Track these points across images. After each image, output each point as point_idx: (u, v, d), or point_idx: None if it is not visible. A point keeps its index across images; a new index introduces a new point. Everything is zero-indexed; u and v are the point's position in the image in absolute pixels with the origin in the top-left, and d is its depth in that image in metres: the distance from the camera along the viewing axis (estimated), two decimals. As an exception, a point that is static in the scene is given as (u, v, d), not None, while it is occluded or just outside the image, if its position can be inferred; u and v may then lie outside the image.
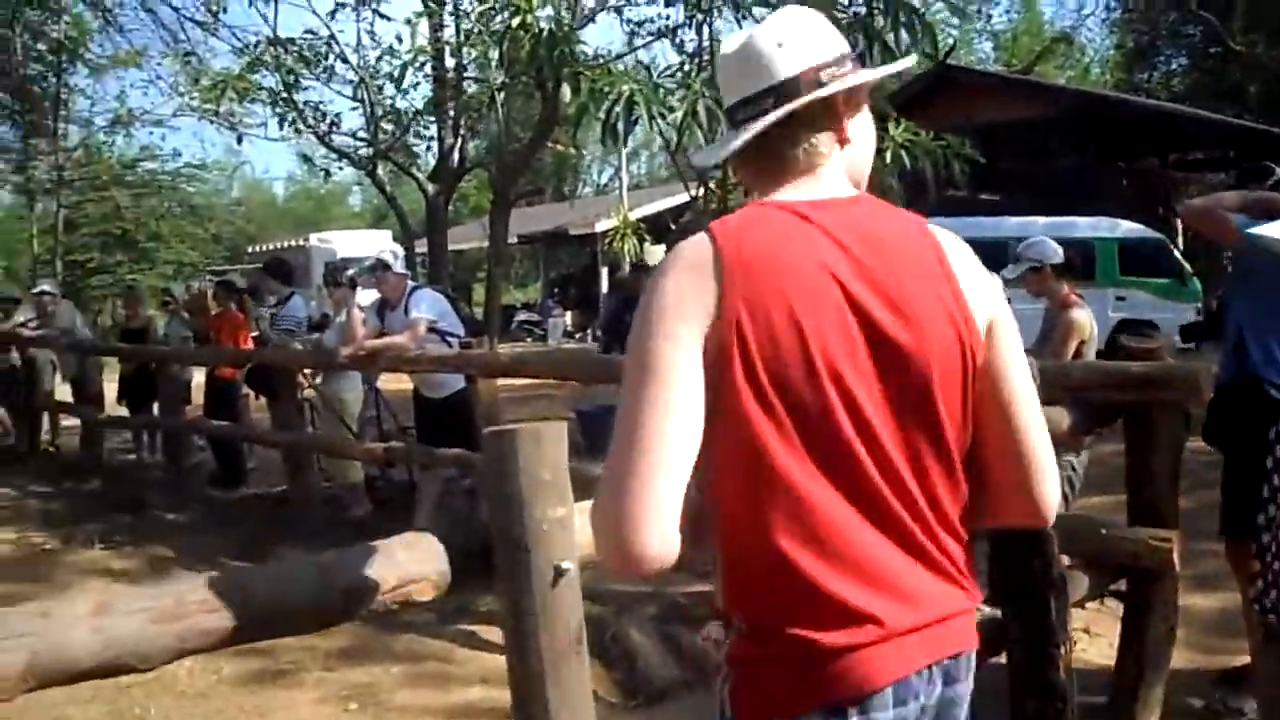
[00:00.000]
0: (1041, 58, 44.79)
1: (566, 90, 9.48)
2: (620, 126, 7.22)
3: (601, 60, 9.18)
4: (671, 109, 7.41)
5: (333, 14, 12.29)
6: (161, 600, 2.28)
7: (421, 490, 8.72)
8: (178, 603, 2.27)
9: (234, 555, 8.42)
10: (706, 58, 9.15)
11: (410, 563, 2.62)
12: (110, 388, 13.50)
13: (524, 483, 2.49)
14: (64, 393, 13.90)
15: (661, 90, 7.68)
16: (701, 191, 9.17)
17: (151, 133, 22.96)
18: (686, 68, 9.17)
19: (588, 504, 1.81)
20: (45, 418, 14.20)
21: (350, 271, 9.18)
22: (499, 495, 2.55)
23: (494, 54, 10.16)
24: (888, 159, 8.13)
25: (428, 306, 8.29)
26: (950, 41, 14.90)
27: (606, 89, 7.64)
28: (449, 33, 10.93)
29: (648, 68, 9.30)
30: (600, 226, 32.09)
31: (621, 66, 8.96)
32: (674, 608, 6.36)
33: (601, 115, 7.53)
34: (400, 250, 9.46)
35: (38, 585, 7.90)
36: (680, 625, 6.15)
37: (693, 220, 9.25)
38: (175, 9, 15.23)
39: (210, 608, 2.29)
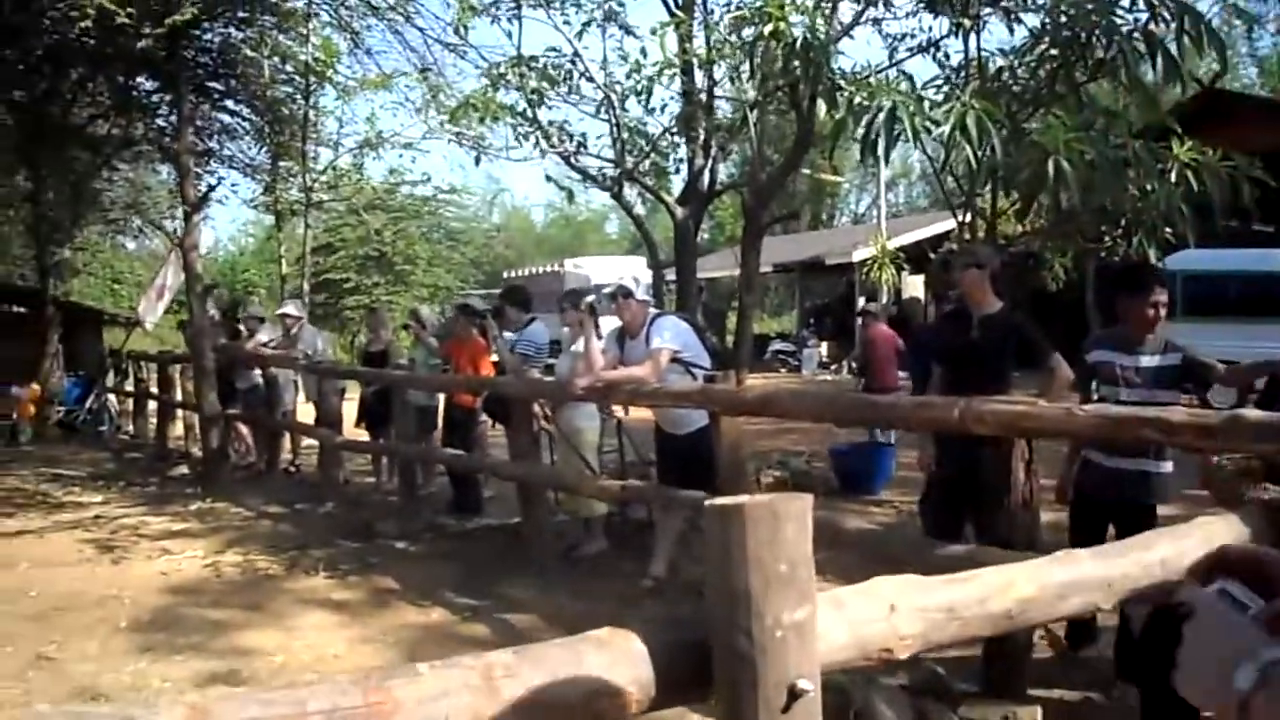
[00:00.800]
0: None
1: (822, 107, 8.92)
2: (882, 143, 6.57)
3: (860, 74, 8.52)
4: (936, 123, 6.72)
5: (580, 32, 11.95)
6: (271, 711, 1.73)
7: (660, 529, 8.21)
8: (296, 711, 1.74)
9: (459, 589, 8.22)
10: (974, 69, 8.46)
11: (603, 668, 2.04)
12: (352, 409, 13.60)
13: (754, 577, 1.93)
14: (307, 413, 14.09)
15: (927, 103, 6.99)
16: (967, 218, 8.42)
17: (400, 155, 23.36)
18: (953, 79, 8.43)
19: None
20: (286, 438, 14.42)
21: (590, 298, 8.78)
22: (721, 590, 1.98)
23: (745, 66, 9.70)
24: (1173, 179, 7.30)
25: (671, 335, 7.80)
26: (1215, 67, 13.70)
27: (866, 102, 7.03)
28: (698, 43, 10.41)
29: (910, 79, 8.57)
30: (857, 255, 31.39)
31: (881, 80, 8.25)
32: (930, 678, 5.68)
33: (860, 131, 6.89)
34: (644, 277, 8.94)
35: (256, 613, 7.77)
36: (936, 700, 5.50)
37: (955, 251, 8.48)
38: (421, 30, 15.25)
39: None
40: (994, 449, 5.83)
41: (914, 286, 33.25)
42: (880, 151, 6.73)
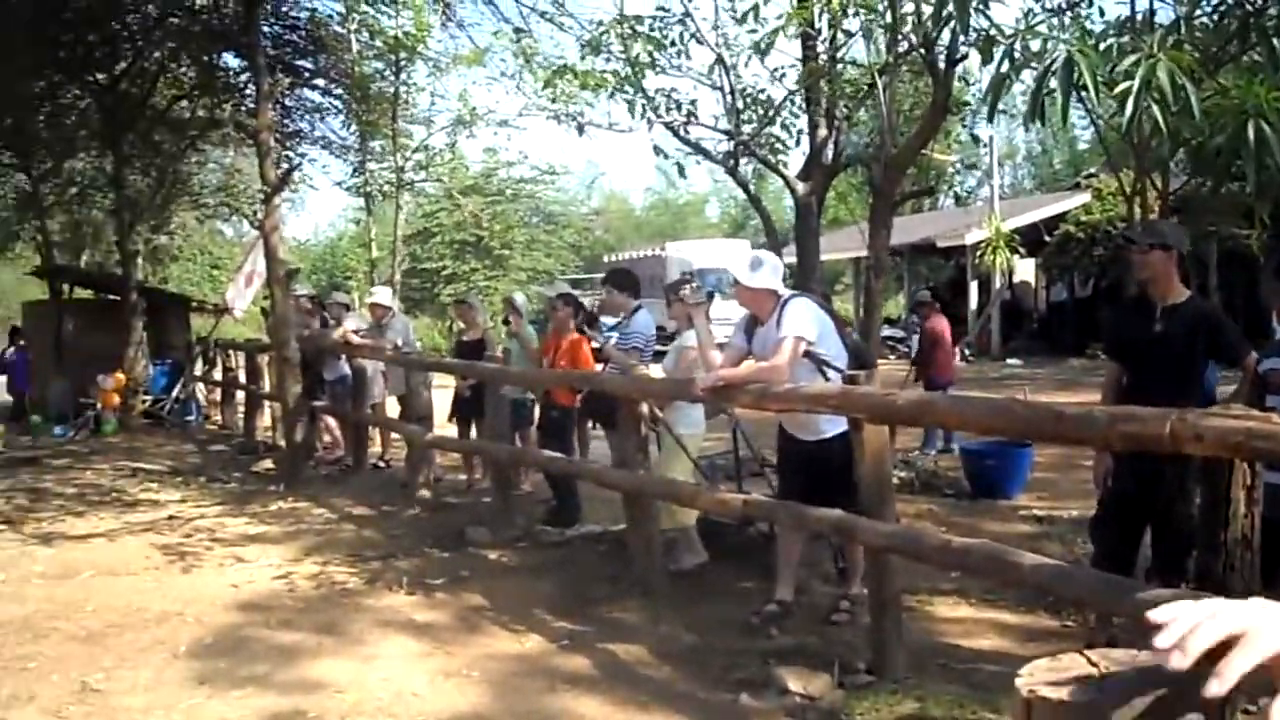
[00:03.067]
0: None
1: (968, 63, 8.04)
2: (1058, 99, 5.65)
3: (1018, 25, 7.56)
4: (1119, 78, 5.78)
5: (691, -11, 11.18)
6: None
7: (783, 546, 7.30)
8: None
9: (556, 610, 7.54)
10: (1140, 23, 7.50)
11: None
12: (445, 402, 13.05)
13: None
14: (394, 407, 13.59)
15: (1111, 50, 6.04)
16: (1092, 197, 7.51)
17: (496, 133, 22.81)
18: (1127, 29, 7.42)
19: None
20: (376, 432, 13.95)
21: (692, 284, 7.97)
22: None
23: (878, 22, 8.88)
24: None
25: (805, 321, 6.66)
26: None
27: (1030, 54, 6.14)
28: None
29: (1083, 25, 7.63)
30: (970, 238, 30.44)
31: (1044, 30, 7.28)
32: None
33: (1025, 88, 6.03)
34: (767, 259, 7.85)
35: (329, 637, 7.11)
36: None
37: (1134, 229, 7.53)
38: (517, 1, 14.57)
39: None
40: (1176, 463, 5.11)
41: (1025, 271, 32.34)
42: (1058, 109, 5.80)
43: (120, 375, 19.16)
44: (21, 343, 21.97)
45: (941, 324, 14.21)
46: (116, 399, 19.06)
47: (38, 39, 15.37)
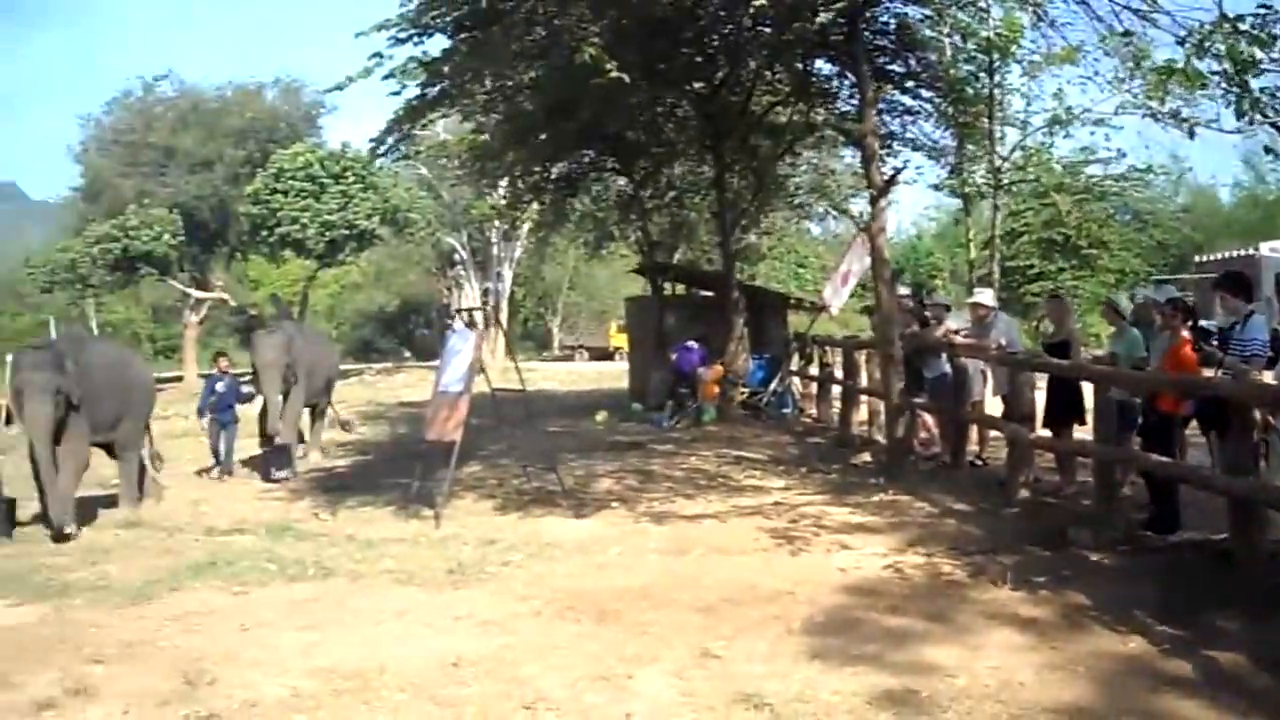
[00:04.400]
0: None
1: None
2: None
3: None
4: None
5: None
6: None
7: None
8: None
9: (1158, 614, 7.53)
10: None
11: None
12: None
13: None
14: (995, 406, 13.78)
15: None
16: None
17: (1093, 132, 22.27)
18: None
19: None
20: (973, 430, 14.14)
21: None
22: None
23: None
24: None
25: None
26: None
27: None
28: None
29: None
30: None
31: None
32: None
33: None
34: None
35: (936, 624, 7.54)
36: None
37: None
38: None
39: None
40: None
41: None
42: None
43: (719, 367, 20.47)
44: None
45: None
46: (715, 390, 20.38)
47: (646, 54, 16.66)
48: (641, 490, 13.46)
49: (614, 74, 12.58)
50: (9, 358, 13.00)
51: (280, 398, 17.24)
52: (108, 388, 13.36)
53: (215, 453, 17.17)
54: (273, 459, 16.72)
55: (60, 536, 12.00)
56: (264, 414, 17.31)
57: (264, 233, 40.96)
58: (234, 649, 7.64)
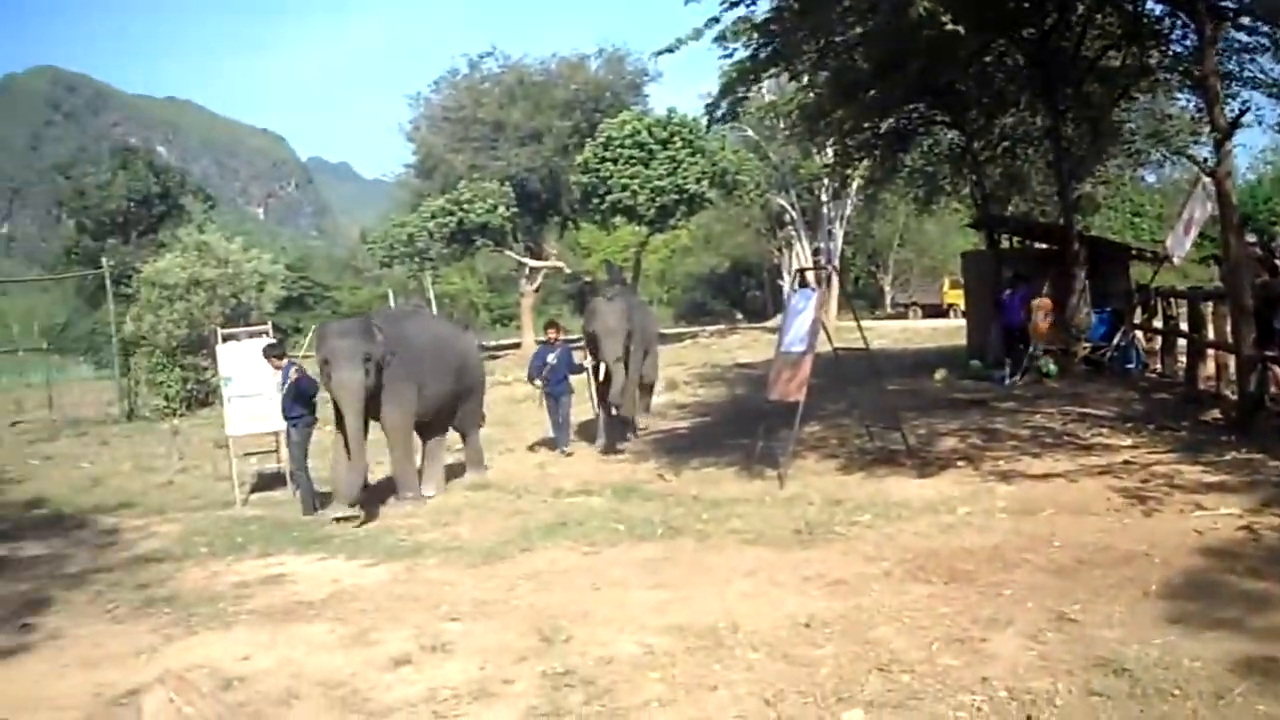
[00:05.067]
0: None
1: None
2: None
3: None
4: None
5: None
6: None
7: None
8: None
9: None
10: None
11: None
12: None
13: None
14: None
15: None
16: None
17: None
18: None
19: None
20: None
21: None
22: None
23: None
24: None
25: None
26: None
27: None
28: None
29: None
30: None
31: None
32: None
33: None
34: None
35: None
36: None
37: None
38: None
39: None
40: None
41: None
42: None
43: (1045, 299, 20.19)
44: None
45: None
46: (1045, 327, 20.12)
47: (977, 2, 16.22)
48: (985, 449, 13.33)
49: (949, 25, 12.42)
50: (313, 330, 13.82)
51: (623, 367, 16.66)
52: (432, 364, 13.51)
53: (554, 427, 16.94)
54: (614, 431, 16.54)
55: (344, 516, 12.20)
56: (603, 383, 16.72)
57: (594, 201, 41.78)
58: (587, 607, 8.06)
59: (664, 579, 8.68)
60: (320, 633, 8.06)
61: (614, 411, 16.75)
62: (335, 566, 10.29)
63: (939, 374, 21.38)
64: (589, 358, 17.17)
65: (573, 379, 17.23)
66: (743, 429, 15.08)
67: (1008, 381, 19.69)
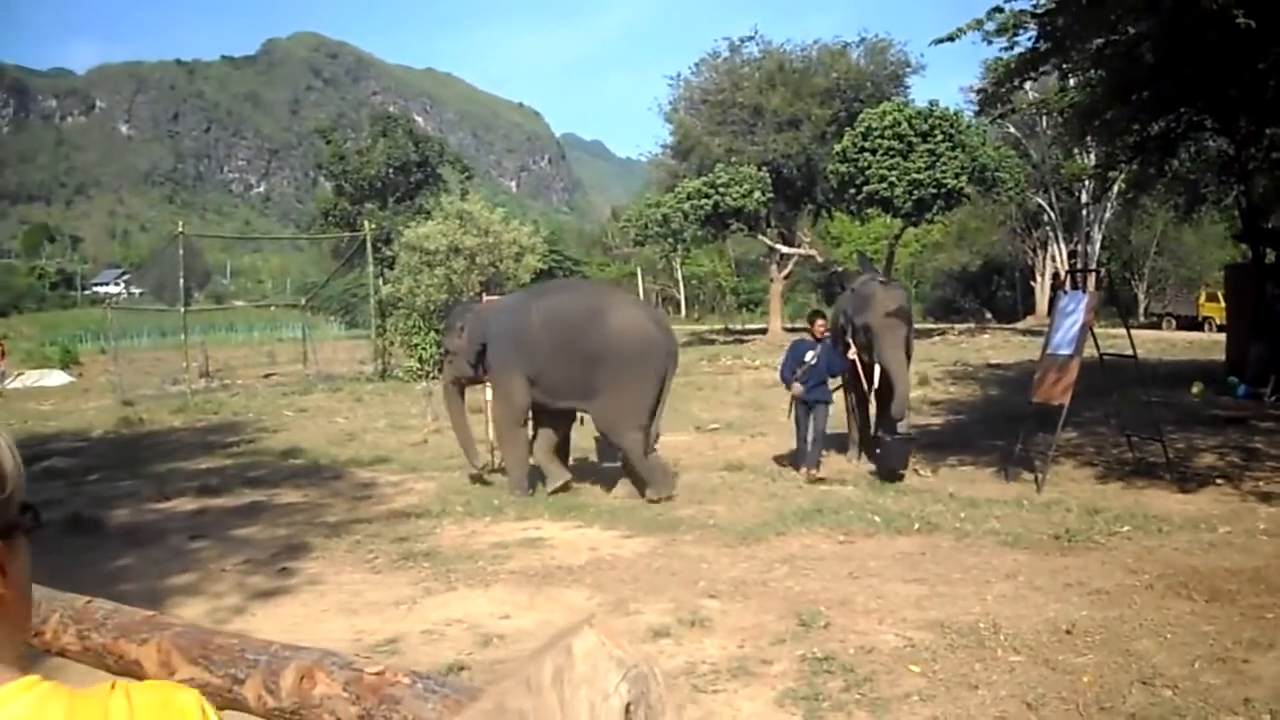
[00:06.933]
0: None
1: None
2: None
3: None
4: None
5: None
6: None
7: None
8: None
9: None
10: None
11: None
12: None
13: None
14: None
15: None
16: None
17: None
18: None
19: None
20: None
21: None
22: None
23: None
24: None
25: None
26: None
27: None
28: None
29: None
30: None
31: None
32: None
33: None
34: None
35: None
36: None
37: None
38: None
39: None
40: None
41: None
42: None
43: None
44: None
45: None
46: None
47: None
48: (1245, 468, 12.94)
49: (1240, 20, 12.04)
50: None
51: (905, 370, 13.56)
52: (559, 349, 12.17)
53: (801, 442, 13.52)
54: (894, 451, 13.17)
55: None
56: (881, 390, 13.52)
57: (851, 191, 41.59)
58: (845, 595, 8.16)
59: (922, 574, 8.73)
60: (579, 598, 8.38)
61: (897, 429, 13.35)
62: (592, 535, 10.63)
63: (1195, 387, 20.68)
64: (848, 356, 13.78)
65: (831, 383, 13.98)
66: (997, 430, 14.95)
67: (1269, 399, 19.00)
